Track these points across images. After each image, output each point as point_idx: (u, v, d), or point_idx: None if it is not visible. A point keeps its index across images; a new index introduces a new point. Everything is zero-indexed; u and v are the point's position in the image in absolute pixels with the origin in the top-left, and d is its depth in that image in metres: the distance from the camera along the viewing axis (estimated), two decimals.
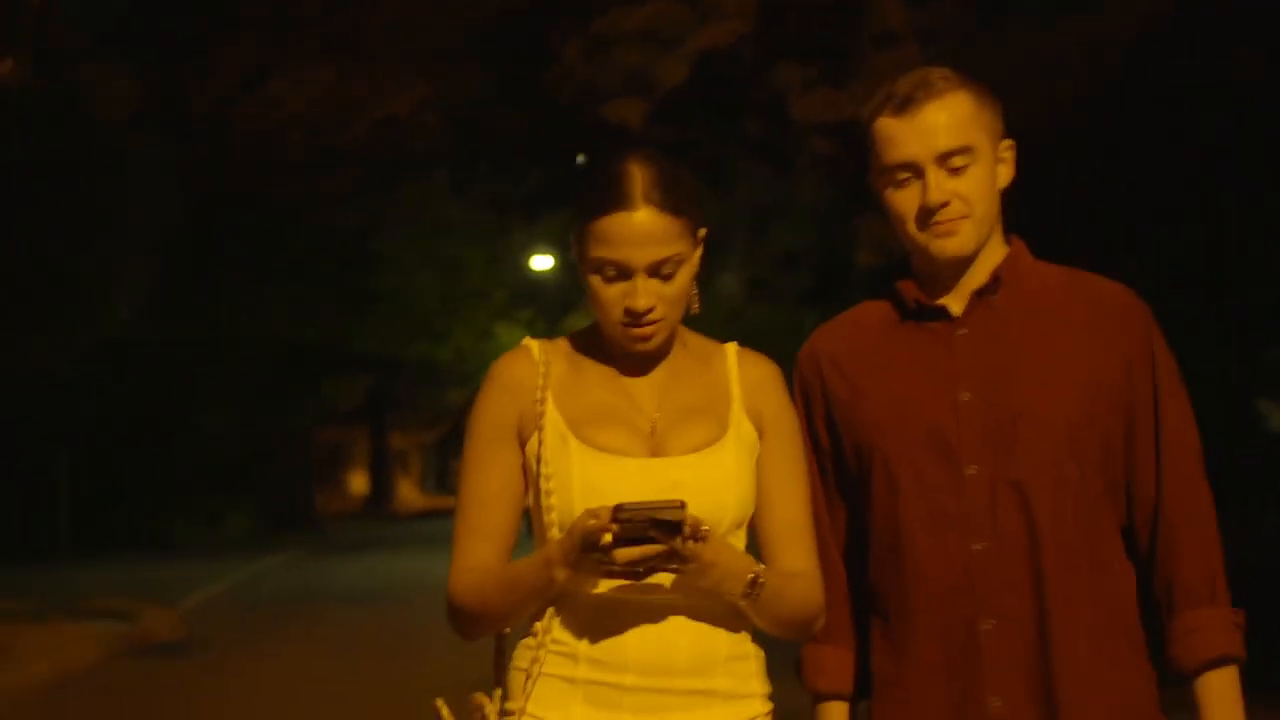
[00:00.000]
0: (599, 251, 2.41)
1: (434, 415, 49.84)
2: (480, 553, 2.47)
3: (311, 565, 23.64)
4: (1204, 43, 11.97)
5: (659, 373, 2.52)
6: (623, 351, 2.51)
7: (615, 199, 2.40)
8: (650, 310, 2.42)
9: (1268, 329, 16.39)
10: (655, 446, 2.44)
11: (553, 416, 2.47)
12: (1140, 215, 13.52)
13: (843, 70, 12.33)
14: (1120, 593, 2.54)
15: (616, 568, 2.28)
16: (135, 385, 24.89)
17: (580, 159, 17.16)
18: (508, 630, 2.55)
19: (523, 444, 2.49)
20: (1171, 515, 2.53)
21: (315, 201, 20.25)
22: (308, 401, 31.81)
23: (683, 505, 2.24)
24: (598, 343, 2.54)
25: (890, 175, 2.57)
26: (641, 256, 2.39)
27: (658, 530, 2.23)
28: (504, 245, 35.14)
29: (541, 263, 38.61)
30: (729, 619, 2.45)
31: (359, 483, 45.21)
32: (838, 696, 2.66)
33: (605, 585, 2.39)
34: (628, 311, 2.43)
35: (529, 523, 2.55)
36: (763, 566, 2.42)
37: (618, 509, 2.23)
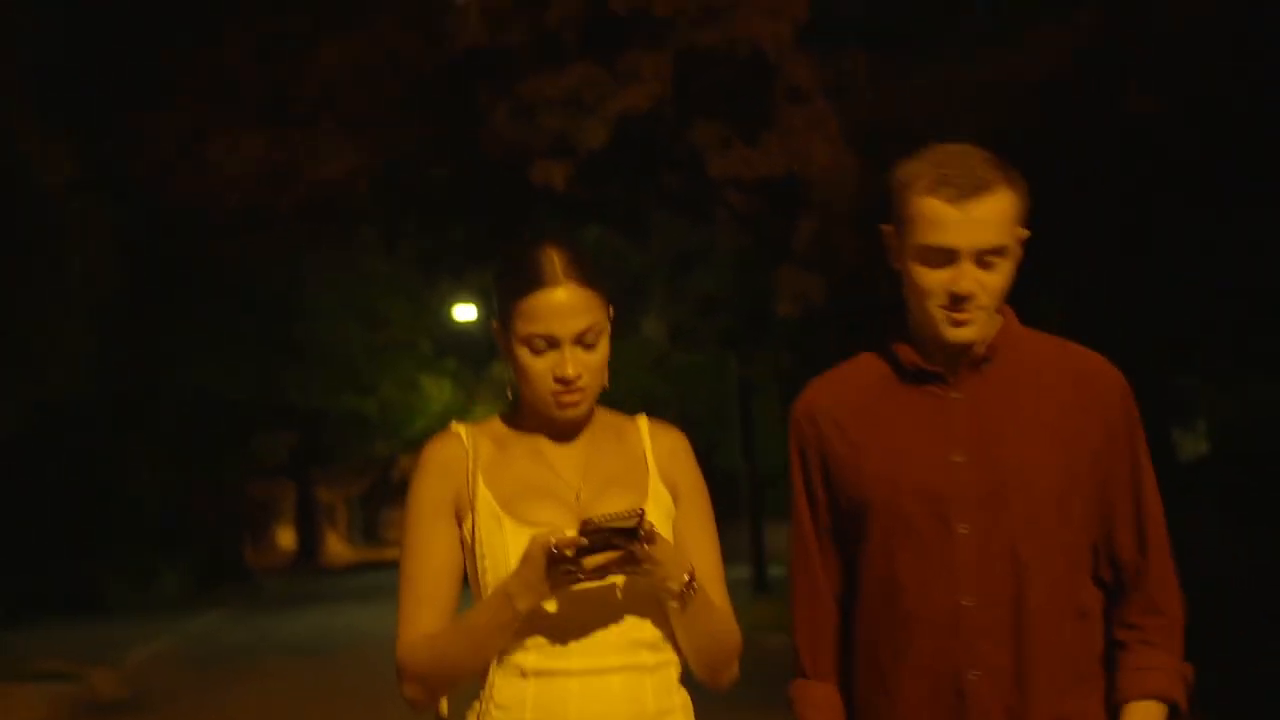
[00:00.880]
0: (528, 328, 2.64)
1: (360, 468, 49.57)
2: (430, 620, 2.65)
3: (248, 620, 23.57)
4: (1106, 82, 12.38)
5: (579, 446, 2.72)
6: (550, 421, 2.70)
7: (539, 279, 2.63)
8: (579, 377, 2.64)
9: (1175, 358, 16.72)
10: (581, 516, 2.59)
11: (484, 496, 2.66)
12: (1052, 250, 13.88)
13: (757, 127, 12.76)
14: (1095, 637, 2.71)
15: (582, 575, 2.52)
16: (65, 445, 24.83)
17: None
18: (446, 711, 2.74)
19: (459, 522, 2.69)
20: (1152, 573, 2.70)
21: (247, 261, 20.43)
22: (238, 458, 31.85)
23: (641, 513, 2.50)
24: (520, 421, 2.74)
25: (923, 253, 2.65)
26: (567, 327, 2.62)
27: (619, 537, 2.49)
28: (428, 297, 35.33)
29: (464, 313, 38.79)
30: (658, 673, 2.67)
31: (286, 537, 44.88)
32: None
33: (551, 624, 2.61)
34: (558, 380, 2.63)
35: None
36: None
37: (585, 523, 2.49)
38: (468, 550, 2.68)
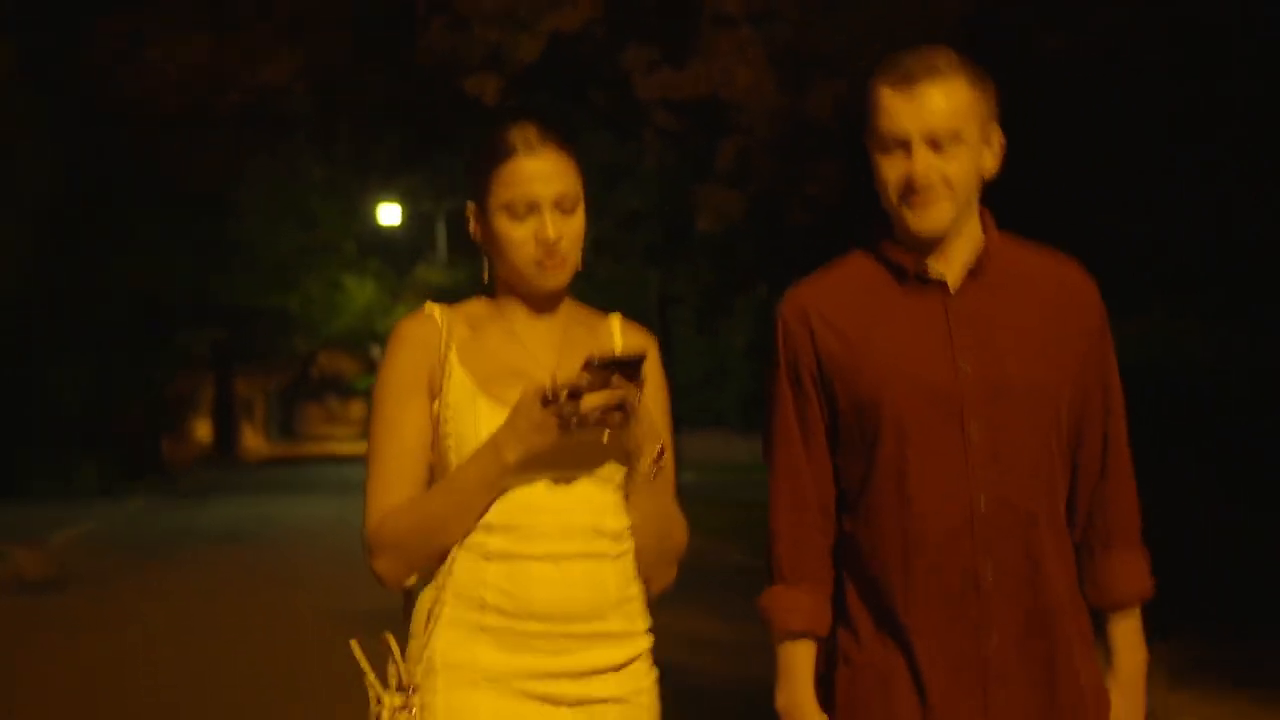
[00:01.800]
0: (507, 194, 2.63)
1: (280, 364, 49.59)
2: (401, 495, 2.62)
3: (168, 510, 23.89)
4: (1024, 15, 12.59)
5: (554, 330, 2.73)
6: (528, 297, 2.70)
7: (516, 146, 2.64)
8: (560, 239, 2.64)
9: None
10: None
11: (459, 376, 2.64)
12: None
13: (683, 51, 13.18)
14: (1070, 551, 2.76)
15: (575, 420, 2.51)
16: None
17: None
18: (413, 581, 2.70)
19: (432, 399, 2.66)
20: (1113, 471, 2.76)
21: (184, 161, 20.59)
22: (163, 353, 31.97)
23: (644, 354, 2.52)
24: (495, 307, 2.74)
25: (880, 142, 2.66)
26: (548, 188, 2.63)
27: (626, 370, 2.50)
28: (355, 200, 35.51)
29: (389, 215, 38.87)
30: (620, 561, 2.68)
31: (203, 430, 44.82)
32: (811, 635, 2.75)
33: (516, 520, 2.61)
34: (539, 244, 2.63)
35: None
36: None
37: (588, 359, 2.48)
38: (435, 429, 2.66)
